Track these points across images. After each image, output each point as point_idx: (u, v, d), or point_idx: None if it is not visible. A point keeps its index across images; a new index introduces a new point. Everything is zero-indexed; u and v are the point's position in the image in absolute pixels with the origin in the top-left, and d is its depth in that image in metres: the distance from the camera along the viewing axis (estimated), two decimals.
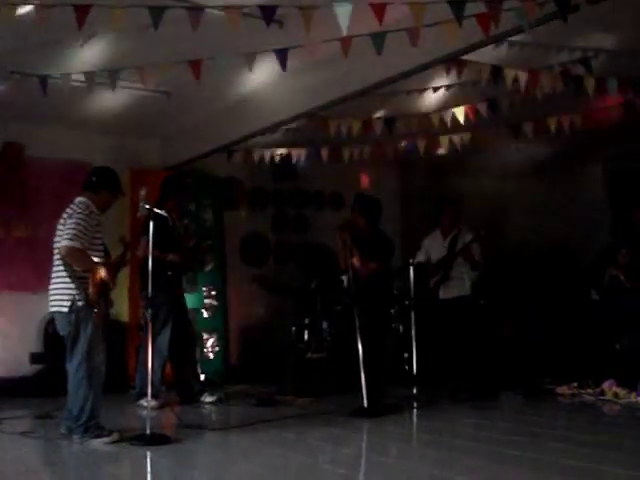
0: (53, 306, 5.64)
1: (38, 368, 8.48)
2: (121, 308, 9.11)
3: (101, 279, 5.51)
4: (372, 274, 7.15)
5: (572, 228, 10.74)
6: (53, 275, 5.67)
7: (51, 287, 5.68)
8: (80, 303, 5.48)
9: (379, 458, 5.23)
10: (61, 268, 5.56)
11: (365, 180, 11.05)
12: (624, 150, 9.66)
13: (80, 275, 5.49)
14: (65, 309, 5.53)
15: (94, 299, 5.46)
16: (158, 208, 6.05)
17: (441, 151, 8.82)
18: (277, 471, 4.83)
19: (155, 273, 5.83)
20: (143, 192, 5.86)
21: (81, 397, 5.54)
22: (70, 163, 8.78)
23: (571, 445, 5.30)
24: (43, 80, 6.26)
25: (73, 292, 5.50)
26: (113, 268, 5.82)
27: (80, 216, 5.53)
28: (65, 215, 5.63)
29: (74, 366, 5.58)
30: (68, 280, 5.51)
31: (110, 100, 7.49)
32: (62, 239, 5.47)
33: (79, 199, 5.71)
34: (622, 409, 7.07)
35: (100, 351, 5.63)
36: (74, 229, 5.44)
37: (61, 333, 5.68)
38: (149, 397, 5.85)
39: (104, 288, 5.56)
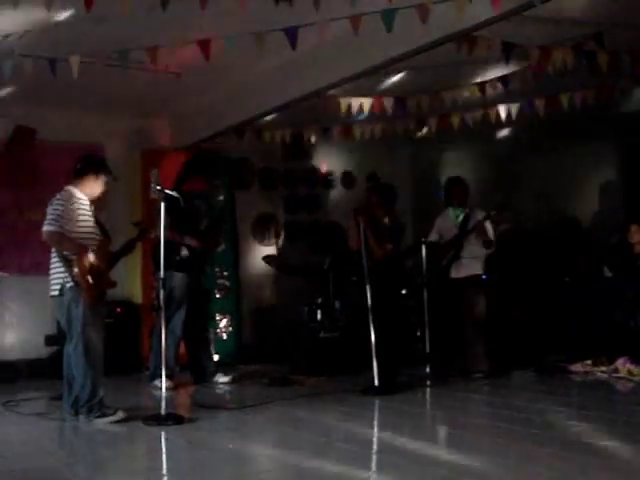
0: (50, 291, 5.81)
1: (53, 350, 8.54)
2: (134, 289, 9.16)
3: (88, 262, 5.63)
4: (388, 256, 7.21)
5: (586, 206, 10.70)
6: (50, 262, 5.84)
7: (49, 273, 5.85)
8: (69, 285, 5.63)
9: (392, 436, 5.25)
10: (54, 254, 5.76)
11: None
12: (639, 127, 9.56)
13: (68, 258, 5.65)
14: (56, 292, 5.71)
15: (80, 280, 5.57)
16: (177, 187, 6.09)
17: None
18: (291, 450, 4.86)
19: (168, 254, 5.85)
20: (155, 173, 5.87)
21: (81, 375, 5.65)
22: (82, 146, 8.76)
23: (585, 422, 5.31)
24: (53, 62, 6.24)
25: (62, 275, 5.67)
26: (106, 251, 5.91)
27: (58, 202, 5.74)
28: (49, 203, 5.80)
29: (72, 347, 5.70)
30: (59, 265, 5.70)
31: (121, 82, 7.47)
32: (43, 225, 5.69)
33: (64, 188, 5.89)
34: (636, 386, 7.06)
35: (97, 330, 5.74)
36: (51, 214, 5.67)
37: (56, 318, 5.92)
38: (163, 378, 5.87)
39: (93, 270, 5.65)
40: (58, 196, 5.80)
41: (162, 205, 5.77)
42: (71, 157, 8.70)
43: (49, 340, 8.65)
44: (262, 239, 10.44)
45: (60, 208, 5.68)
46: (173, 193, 6.03)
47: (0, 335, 8.65)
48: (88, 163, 6.07)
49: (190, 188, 7.47)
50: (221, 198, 9.69)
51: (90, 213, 5.92)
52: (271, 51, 5.99)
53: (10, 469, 4.51)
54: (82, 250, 5.66)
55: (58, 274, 5.71)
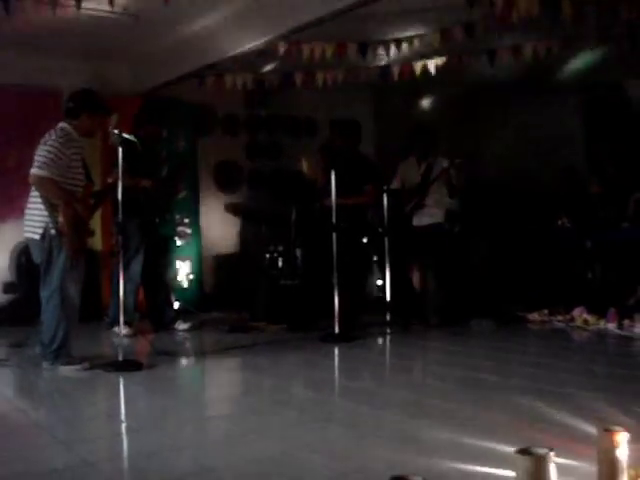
0: (27, 232, 5.55)
1: (11, 297, 8.44)
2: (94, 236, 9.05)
3: (74, 211, 5.42)
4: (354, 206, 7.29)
5: (548, 157, 10.73)
6: (29, 201, 5.56)
7: (26, 213, 5.57)
8: (52, 231, 5.39)
9: (351, 382, 5.30)
10: (36, 194, 5.46)
11: None
12: (600, 80, 9.57)
13: (53, 202, 5.38)
14: (37, 236, 5.45)
15: (64, 229, 5.37)
16: (134, 133, 5.98)
17: None
18: (250, 395, 4.89)
19: (126, 200, 5.76)
20: (113, 118, 5.75)
21: (53, 325, 5.52)
22: (37, 89, 8.57)
23: (540, 370, 5.39)
24: (6, 0, 6.05)
25: (46, 219, 5.40)
26: (89, 197, 5.74)
27: (53, 143, 5.41)
28: (42, 141, 5.49)
29: (47, 294, 5.53)
30: (41, 207, 5.42)
31: (76, 23, 7.28)
32: (32, 166, 5.38)
33: (59, 125, 5.58)
34: (591, 335, 7.18)
35: (74, 281, 5.57)
36: (44, 157, 5.34)
37: (36, 261, 5.60)
38: (122, 324, 5.84)
39: (77, 220, 5.46)
40: (54, 136, 5.45)
41: (120, 150, 5.67)
42: (26, 101, 8.60)
43: (6, 288, 8.55)
44: (224, 186, 10.36)
45: (54, 151, 5.35)
46: (131, 137, 5.92)
47: None
48: (82, 100, 5.71)
49: (147, 133, 7.39)
50: (182, 144, 9.59)
51: (81, 156, 5.63)
52: None
53: None
54: (70, 199, 5.40)
55: (40, 217, 5.40)
